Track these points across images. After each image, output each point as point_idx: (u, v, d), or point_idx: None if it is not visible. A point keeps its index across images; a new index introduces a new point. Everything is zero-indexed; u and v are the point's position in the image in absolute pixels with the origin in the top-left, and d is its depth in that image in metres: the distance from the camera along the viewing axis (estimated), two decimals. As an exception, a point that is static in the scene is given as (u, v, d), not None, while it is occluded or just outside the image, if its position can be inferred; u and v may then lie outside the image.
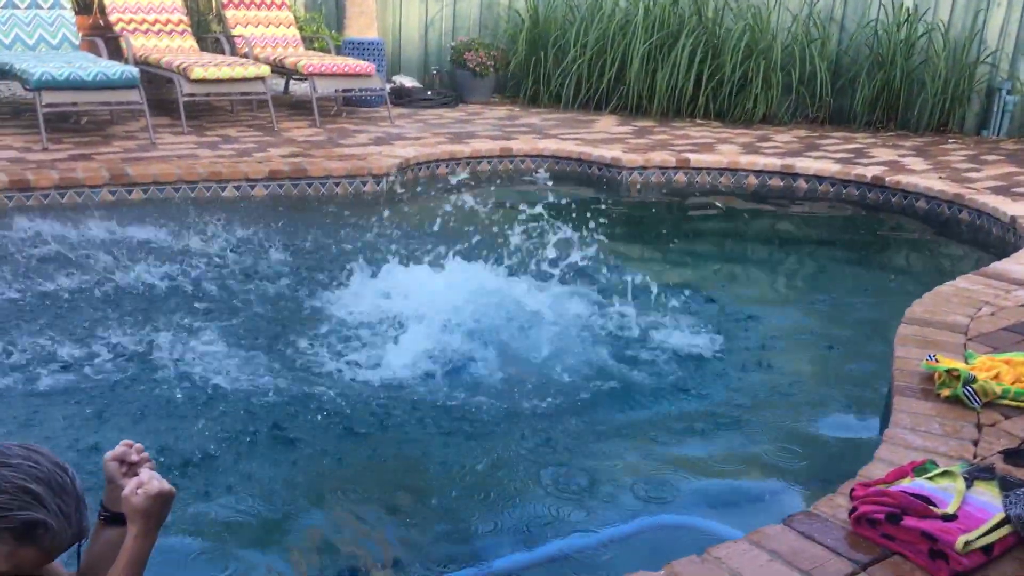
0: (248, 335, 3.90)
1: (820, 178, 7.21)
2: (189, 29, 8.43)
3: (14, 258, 4.64)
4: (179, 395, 3.32)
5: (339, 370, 3.61)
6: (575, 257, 5.21)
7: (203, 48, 8.61)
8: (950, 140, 8.95)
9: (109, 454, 1.76)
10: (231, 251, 5.01)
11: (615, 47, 9.51)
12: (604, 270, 5.13)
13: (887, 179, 6.92)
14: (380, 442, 3.14)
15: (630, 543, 2.64)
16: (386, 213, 5.64)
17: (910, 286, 4.93)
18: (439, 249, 4.65)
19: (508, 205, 6.66)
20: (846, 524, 2.27)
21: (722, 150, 7.78)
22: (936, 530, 2.11)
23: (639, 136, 8.38)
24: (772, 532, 2.25)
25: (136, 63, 7.35)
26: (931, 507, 2.18)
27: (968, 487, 2.29)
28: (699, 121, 9.40)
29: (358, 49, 9.29)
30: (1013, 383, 3.03)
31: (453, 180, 6.95)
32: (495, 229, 5.40)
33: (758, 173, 7.35)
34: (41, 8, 7.43)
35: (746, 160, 7.41)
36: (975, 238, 6.16)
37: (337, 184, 6.34)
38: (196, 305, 4.20)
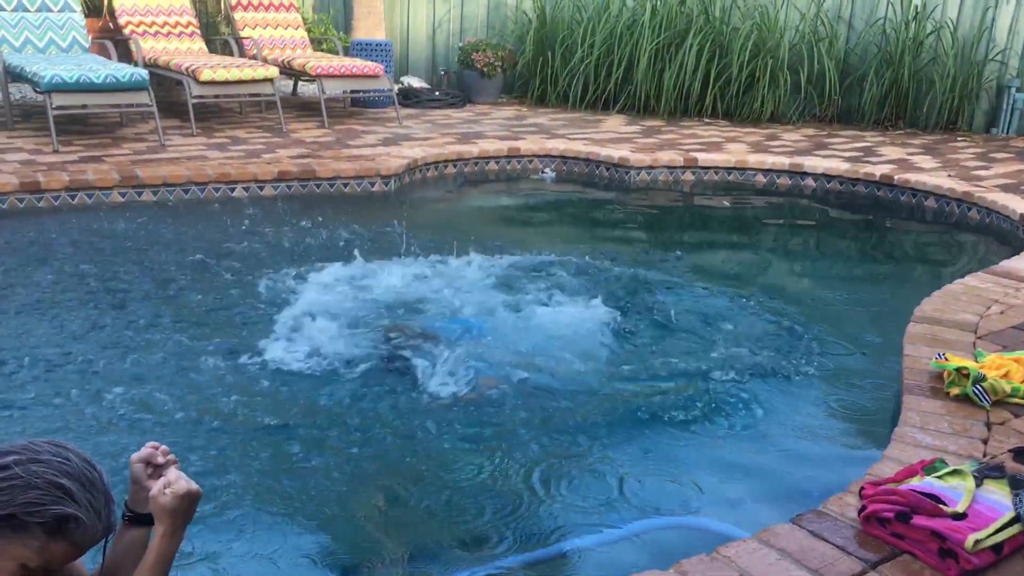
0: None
1: (829, 177, 7.20)
2: (198, 31, 8.47)
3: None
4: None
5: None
6: (580, 255, 5.23)
7: (212, 50, 8.64)
8: (959, 138, 8.93)
9: (135, 456, 1.78)
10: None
11: (622, 47, 9.51)
12: (606, 268, 5.14)
13: (896, 177, 6.91)
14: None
15: (638, 542, 2.64)
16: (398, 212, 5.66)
17: (919, 284, 4.92)
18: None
19: (516, 204, 6.69)
20: (855, 523, 2.28)
21: (730, 149, 7.77)
22: (946, 529, 2.12)
23: (647, 135, 8.37)
24: (781, 531, 2.25)
25: (145, 65, 7.39)
26: (941, 506, 2.18)
27: (978, 486, 2.29)
28: (707, 120, 9.39)
29: (366, 50, 9.32)
30: (1022, 381, 3.02)
31: (461, 180, 6.97)
32: (504, 226, 5.42)
33: (766, 172, 7.34)
34: (51, 11, 7.47)
35: (754, 159, 7.40)
36: (984, 236, 6.15)
37: (346, 185, 6.35)
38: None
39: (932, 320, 3.72)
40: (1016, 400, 2.97)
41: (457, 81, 10.54)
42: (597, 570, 2.51)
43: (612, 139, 8.09)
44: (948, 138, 8.91)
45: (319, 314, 4.10)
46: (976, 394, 2.94)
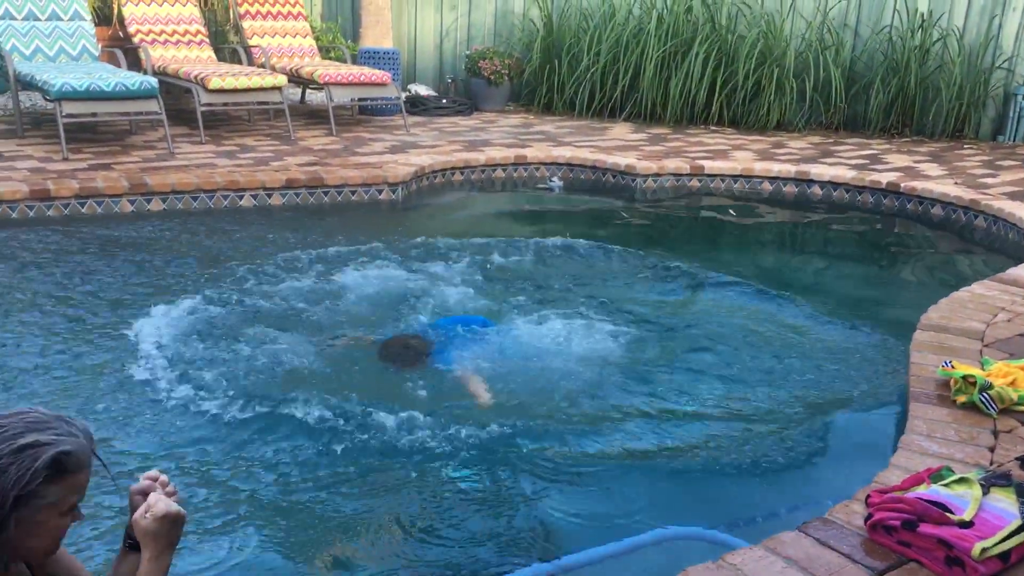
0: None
1: (835, 184, 7.21)
2: (207, 40, 8.52)
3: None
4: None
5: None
6: (582, 261, 5.24)
7: (220, 58, 8.69)
8: (966, 146, 8.92)
9: (134, 487, 1.81)
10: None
11: (629, 55, 9.54)
12: (609, 276, 5.15)
13: (902, 185, 6.92)
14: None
15: (644, 554, 2.65)
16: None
17: (926, 292, 4.92)
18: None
19: (522, 211, 6.71)
20: (862, 531, 2.28)
21: (736, 157, 7.78)
22: (952, 537, 2.12)
23: (653, 143, 8.39)
24: (787, 539, 2.26)
25: (155, 73, 7.43)
26: (947, 514, 2.19)
27: (985, 494, 2.29)
28: (713, 128, 9.41)
29: (374, 58, 9.36)
30: (1029, 390, 3.03)
31: (468, 188, 6.99)
32: (509, 231, 5.44)
33: (772, 180, 7.35)
34: (61, 20, 7.52)
35: (760, 167, 7.41)
36: (991, 244, 6.14)
37: (353, 192, 6.38)
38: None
39: (939, 328, 3.73)
40: (1023, 408, 2.97)
41: (464, 89, 10.58)
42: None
43: (618, 147, 8.11)
44: (954, 146, 8.90)
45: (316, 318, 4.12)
46: (983, 402, 2.95)
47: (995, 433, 2.84)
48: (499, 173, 7.41)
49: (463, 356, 3.80)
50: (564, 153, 7.65)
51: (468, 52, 10.37)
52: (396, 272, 4.93)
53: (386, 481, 2.96)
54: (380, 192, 6.46)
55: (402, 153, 7.31)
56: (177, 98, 8.44)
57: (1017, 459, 2.64)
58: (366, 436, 3.15)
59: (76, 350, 3.79)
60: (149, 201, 5.82)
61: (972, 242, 6.27)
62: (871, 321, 4.58)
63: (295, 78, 8.36)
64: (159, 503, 1.70)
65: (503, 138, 8.29)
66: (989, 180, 7.17)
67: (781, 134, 9.20)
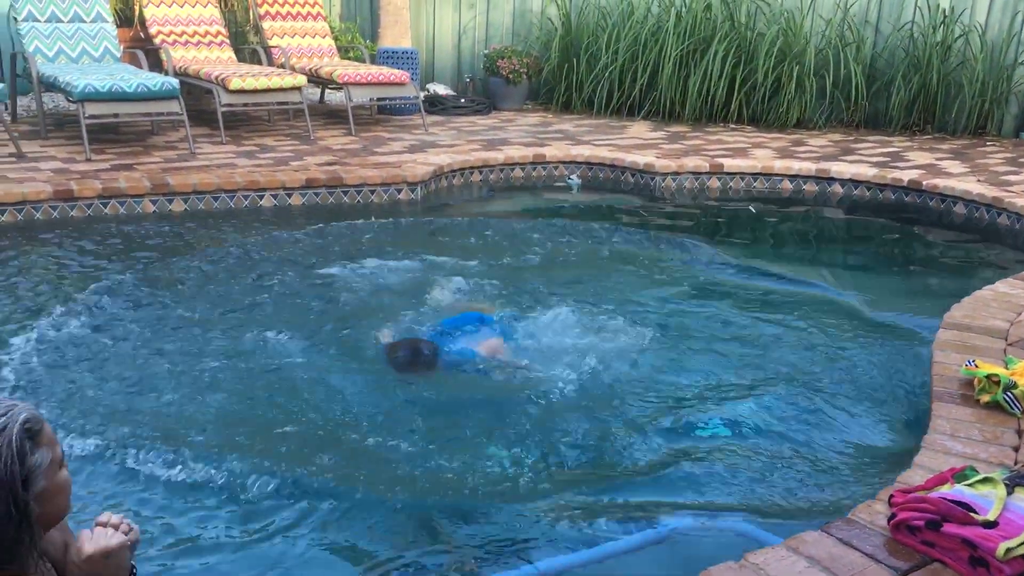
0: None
1: (856, 182, 7.16)
2: (227, 40, 8.57)
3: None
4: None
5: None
6: (603, 260, 5.24)
7: (240, 59, 8.74)
8: (988, 143, 8.84)
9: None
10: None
11: (647, 53, 9.51)
12: (630, 274, 5.15)
13: (924, 183, 6.86)
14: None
15: (667, 547, 2.65)
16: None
17: (949, 290, 4.88)
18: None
19: (540, 210, 6.71)
20: (885, 531, 2.27)
21: (756, 155, 7.75)
22: (977, 537, 2.11)
23: (672, 141, 8.37)
24: (810, 539, 2.25)
25: (176, 74, 7.49)
26: (971, 514, 2.18)
27: (1009, 493, 2.27)
28: (732, 126, 9.37)
29: (392, 58, 9.39)
30: (1054, 389, 3.00)
31: (487, 187, 7.00)
32: (529, 231, 5.43)
33: (793, 178, 7.31)
34: (84, 21, 7.59)
35: (780, 165, 7.37)
36: (1015, 242, 6.09)
37: (372, 192, 6.41)
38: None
39: (962, 327, 3.70)
40: (1048, 408, 2.95)
41: (482, 88, 10.59)
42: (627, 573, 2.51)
43: (637, 145, 8.10)
44: (977, 143, 8.83)
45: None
46: (1007, 401, 2.92)
47: (1019, 432, 2.81)
48: (517, 172, 7.42)
49: (472, 354, 3.80)
50: (583, 152, 7.65)
51: (486, 51, 10.38)
52: (413, 271, 4.95)
53: (406, 481, 2.97)
54: (399, 191, 6.48)
55: (421, 152, 7.32)
56: (198, 99, 8.50)
57: (1042, 459, 2.62)
58: (374, 439, 3.17)
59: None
60: (171, 201, 5.86)
61: (995, 240, 6.22)
62: (893, 320, 4.55)
63: (314, 78, 8.40)
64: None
65: (521, 137, 8.29)
66: (1012, 177, 7.10)
67: (801, 132, 9.16)
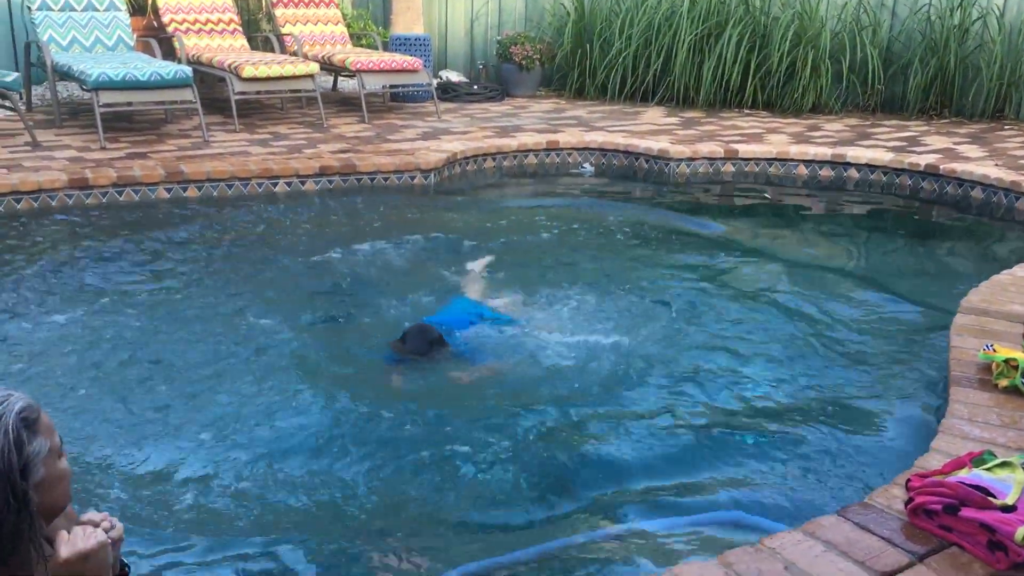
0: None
1: (872, 167, 7.10)
2: (240, 28, 8.56)
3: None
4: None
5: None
6: (616, 249, 5.22)
7: (253, 47, 8.74)
8: (1006, 127, 8.75)
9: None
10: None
11: (661, 38, 9.45)
12: (641, 260, 5.13)
13: (941, 167, 6.80)
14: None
15: (688, 533, 2.64)
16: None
17: (966, 275, 4.85)
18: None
19: (554, 196, 6.69)
20: (902, 515, 2.26)
21: (771, 140, 7.70)
22: (995, 521, 2.09)
23: (686, 127, 8.33)
24: (827, 523, 2.24)
25: (189, 63, 7.49)
26: (990, 498, 2.16)
27: (1028, 478, 2.25)
28: (747, 111, 9.31)
29: (405, 45, 9.37)
30: (1074, 373, 2.97)
31: (500, 174, 6.98)
32: (543, 220, 5.42)
33: (808, 163, 7.26)
34: (97, 10, 7.60)
35: (796, 150, 7.32)
36: (1033, 226, 6.03)
37: (386, 179, 6.40)
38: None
39: (980, 311, 3.67)
40: (1067, 392, 2.92)
41: (495, 75, 10.55)
42: (645, 559, 2.51)
43: (651, 131, 8.06)
44: (995, 127, 8.74)
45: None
46: (1026, 386, 2.90)
47: (1038, 417, 2.79)
48: (531, 159, 7.39)
49: (483, 343, 3.79)
50: (596, 138, 7.61)
51: (499, 37, 10.34)
52: (424, 258, 4.95)
53: (413, 469, 2.97)
54: (412, 178, 6.47)
55: (434, 139, 7.31)
56: (211, 87, 8.51)
57: (1061, 443, 2.60)
58: (383, 427, 3.17)
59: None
60: (185, 189, 5.88)
61: (1013, 225, 6.16)
62: (911, 304, 4.53)
63: (327, 66, 8.39)
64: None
65: (535, 124, 8.27)
66: (1031, 161, 7.03)
67: (817, 117, 9.08)
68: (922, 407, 3.37)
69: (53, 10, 7.43)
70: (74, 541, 1.61)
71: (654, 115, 9.01)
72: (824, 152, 7.27)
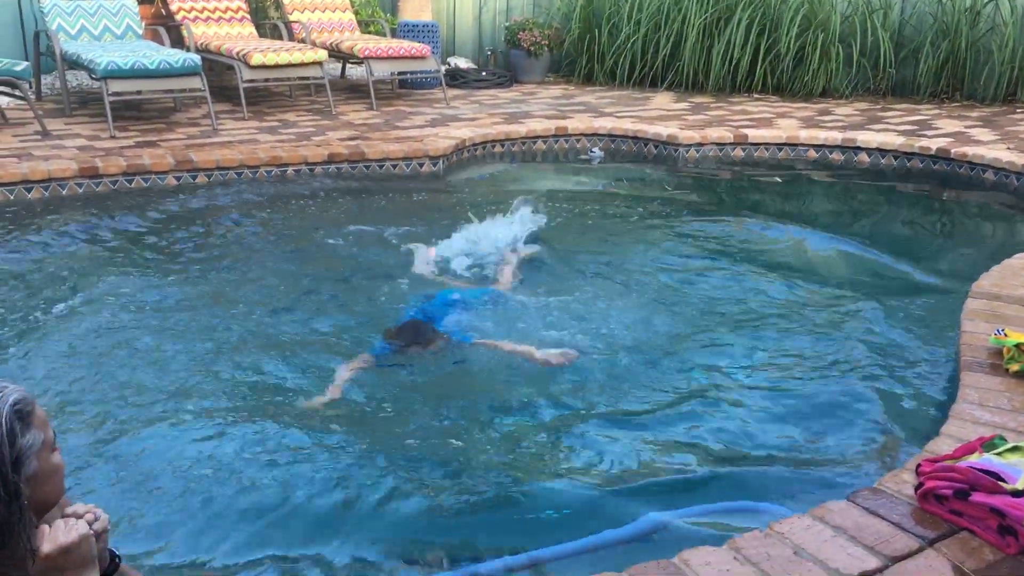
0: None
1: (883, 151, 7.06)
2: (248, 16, 8.56)
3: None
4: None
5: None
6: (623, 233, 5.21)
7: (261, 34, 8.73)
8: (1018, 110, 8.68)
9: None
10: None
11: (670, 23, 9.40)
12: (650, 243, 5.12)
13: (953, 151, 6.76)
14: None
15: (697, 521, 2.64)
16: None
17: (977, 259, 4.82)
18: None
19: (563, 182, 6.68)
20: (912, 500, 2.26)
21: (781, 125, 7.66)
22: (1005, 506, 2.09)
23: (695, 112, 8.29)
24: (836, 508, 2.25)
25: (197, 51, 7.49)
26: (1000, 483, 2.16)
27: (1038, 462, 2.25)
28: (757, 96, 9.26)
29: (413, 31, 9.34)
30: (1085, 358, 2.96)
31: (509, 160, 6.97)
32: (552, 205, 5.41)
33: (819, 147, 7.23)
34: (106, -1, 7.61)
35: (806, 134, 7.29)
36: (1045, 210, 5.99)
37: (395, 166, 6.40)
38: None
39: (991, 295, 3.65)
40: (1078, 376, 2.91)
41: (504, 61, 10.52)
42: (652, 546, 2.51)
43: (660, 116, 8.03)
44: (1007, 110, 8.67)
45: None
46: (1036, 370, 2.89)
47: (1049, 402, 2.78)
48: (540, 145, 7.38)
49: (479, 328, 3.79)
50: (605, 124, 7.59)
51: (507, 23, 10.30)
52: (432, 243, 4.94)
53: (416, 461, 2.97)
54: (421, 165, 6.47)
55: (442, 126, 7.30)
56: (220, 75, 8.51)
57: (1073, 428, 2.59)
58: (384, 414, 3.18)
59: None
60: (195, 177, 5.89)
61: (1025, 209, 6.13)
62: (921, 289, 4.51)
63: (335, 53, 8.38)
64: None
65: (543, 110, 8.24)
66: (1043, 145, 6.98)
67: (827, 101, 9.03)
68: (932, 392, 3.36)
69: (62, -1, 7.43)
70: (55, 535, 1.58)
71: (663, 100, 8.97)
72: (835, 136, 7.23)
